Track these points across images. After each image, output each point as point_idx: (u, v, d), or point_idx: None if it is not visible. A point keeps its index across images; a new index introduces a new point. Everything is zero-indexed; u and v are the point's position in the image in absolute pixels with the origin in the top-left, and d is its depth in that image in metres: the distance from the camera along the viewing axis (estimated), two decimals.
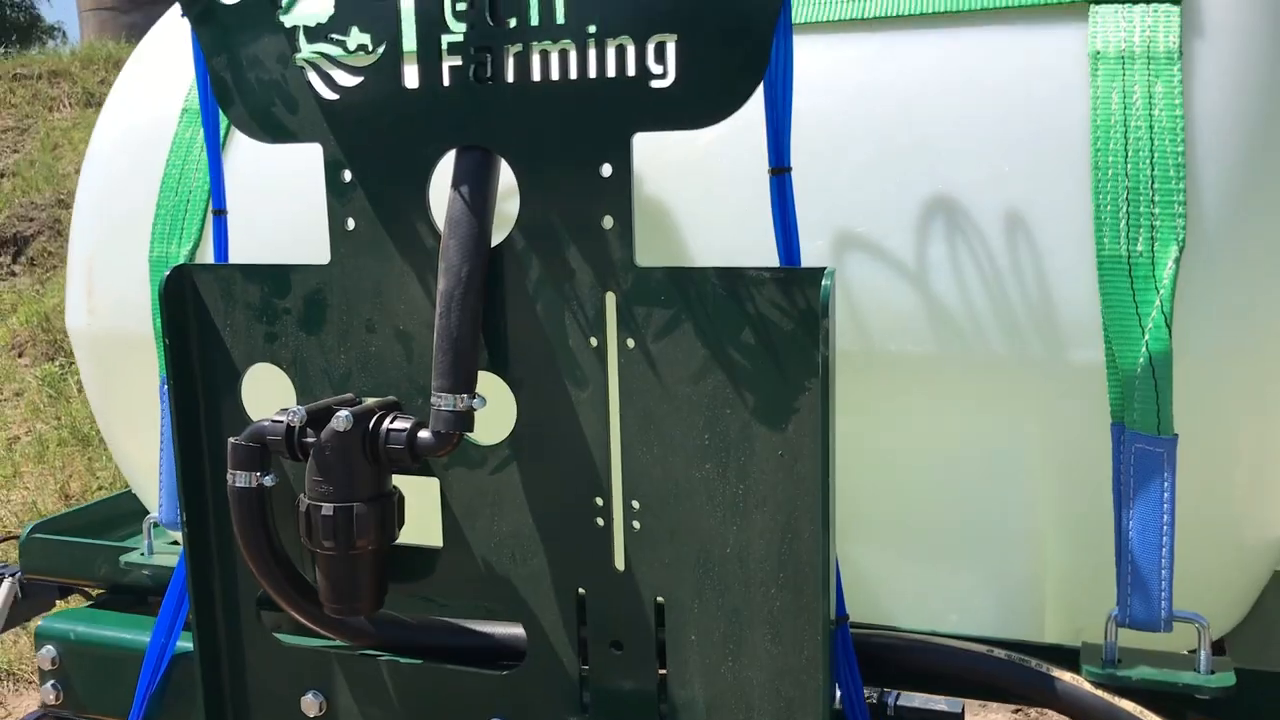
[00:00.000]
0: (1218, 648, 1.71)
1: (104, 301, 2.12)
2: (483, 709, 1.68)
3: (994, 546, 1.69)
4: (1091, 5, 1.58)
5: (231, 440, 1.59)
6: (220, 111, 1.68)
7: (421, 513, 1.67)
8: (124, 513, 2.48)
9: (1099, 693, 1.55)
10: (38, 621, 2.13)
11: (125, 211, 2.08)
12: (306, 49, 1.60)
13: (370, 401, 1.62)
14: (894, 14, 1.65)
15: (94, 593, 2.35)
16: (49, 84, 12.05)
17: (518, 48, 1.49)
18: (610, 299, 1.51)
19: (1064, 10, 1.59)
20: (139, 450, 2.15)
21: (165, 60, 2.17)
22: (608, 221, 1.49)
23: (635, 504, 1.54)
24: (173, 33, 2.19)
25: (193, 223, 1.97)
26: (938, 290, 1.59)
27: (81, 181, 2.24)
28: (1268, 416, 1.61)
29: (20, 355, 8.05)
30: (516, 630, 1.69)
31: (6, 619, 2.36)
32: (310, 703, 1.78)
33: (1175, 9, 1.53)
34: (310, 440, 1.56)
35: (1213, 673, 1.56)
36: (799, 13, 1.71)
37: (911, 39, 1.65)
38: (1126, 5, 1.55)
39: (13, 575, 2.36)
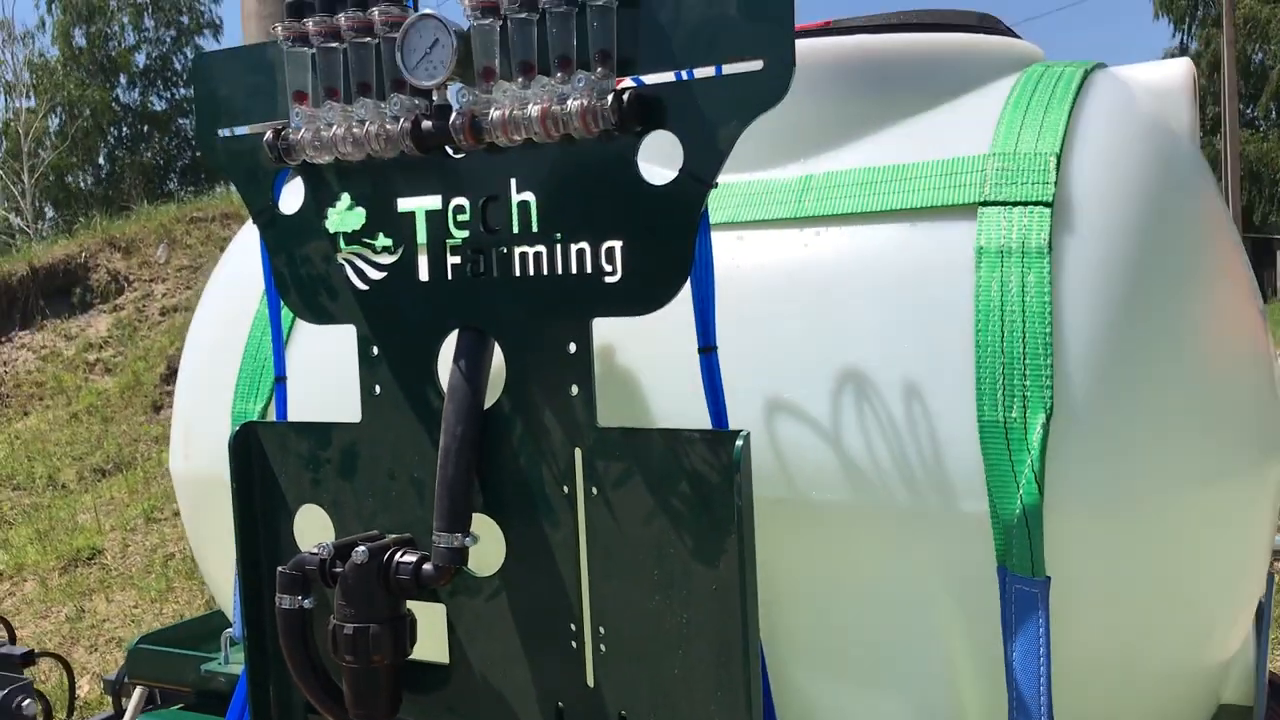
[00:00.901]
0: None
1: (198, 448, 2.50)
2: None
3: (913, 676, 1.88)
4: (980, 207, 1.84)
5: (279, 569, 1.93)
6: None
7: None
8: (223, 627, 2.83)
9: None
10: None
11: (220, 372, 2.46)
12: (345, 249, 1.97)
13: (388, 538, 1.93)
14: (822, 213, 1.94)
15: None
16: (221, 225, 13.07)
17: (503, 249, 1.83)
18: (578, 454, 1.80)
19: (958, 210, 1.86)
20: (223, 575, 2.50)
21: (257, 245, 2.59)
22: (574, 390, 1.79)
23: (601, 629, 1.80)
24: None
25: (266, 385, 2.35)
26: (850, 448, 1.83)
27: (186, 344, 2.67)
28: (1150, 556, 1.80)
29: None
30: None
31: None
32: None
33: (1047, 210, 1.78)
34: (338, 570, 1.89)
35: None
36: (748, 213, 2.01)
37: (835, 234, 1.93)
38: (1007, 207, 1.81)
39: None
